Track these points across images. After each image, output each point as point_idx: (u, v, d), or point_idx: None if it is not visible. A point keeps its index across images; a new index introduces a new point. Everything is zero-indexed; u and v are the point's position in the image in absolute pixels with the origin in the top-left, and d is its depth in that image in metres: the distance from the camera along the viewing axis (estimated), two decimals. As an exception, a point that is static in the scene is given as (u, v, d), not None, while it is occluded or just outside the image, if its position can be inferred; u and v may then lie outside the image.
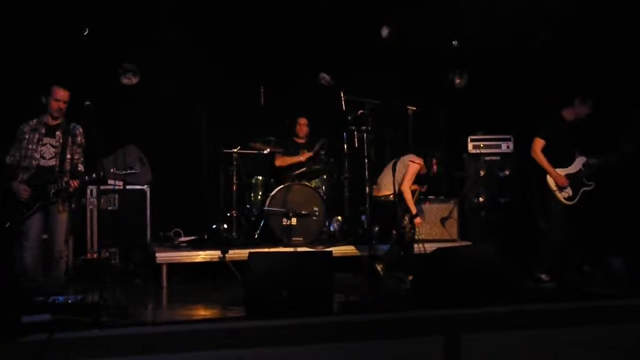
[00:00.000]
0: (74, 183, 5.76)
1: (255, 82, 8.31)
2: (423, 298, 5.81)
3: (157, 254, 7.02)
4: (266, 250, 6.70)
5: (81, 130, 5.96)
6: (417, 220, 7.16)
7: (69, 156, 5.87)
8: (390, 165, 7.18)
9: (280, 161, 8.31)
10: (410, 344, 5.10)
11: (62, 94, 5.78)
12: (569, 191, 6.80)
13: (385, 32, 8.26)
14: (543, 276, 6.69)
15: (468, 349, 5.09)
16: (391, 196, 7.06)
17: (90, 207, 7.78)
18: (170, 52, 8.06)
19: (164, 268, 6.99)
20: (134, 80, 7.74)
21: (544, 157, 6.83)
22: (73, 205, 6.03)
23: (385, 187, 7.16)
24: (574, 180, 6.81)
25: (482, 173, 8.66)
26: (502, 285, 5.69)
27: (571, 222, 6.78)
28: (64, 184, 5.75)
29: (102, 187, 7.72)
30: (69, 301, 5.27)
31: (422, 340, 5.14)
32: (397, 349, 5.07)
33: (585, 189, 6.82)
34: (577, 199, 6.80)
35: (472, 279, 5.61)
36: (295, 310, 5.19)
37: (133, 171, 6.02)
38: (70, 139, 5.87)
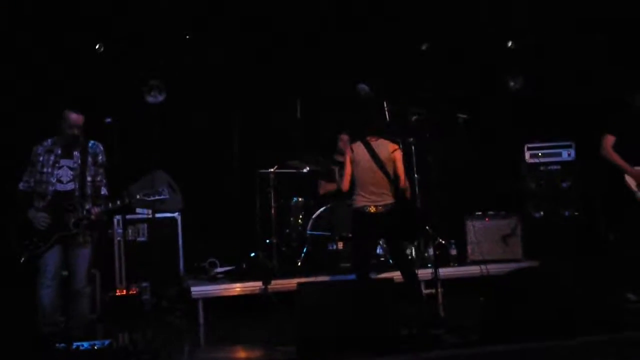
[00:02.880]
0: (95, 211, 5.09)
1: (290, 96, 7.77)
2: (496, 329, 4.99)
3: (192, 288, 6.34)
4: (316, 279, 5.94)
5: (102, 148, 5.31)
6: None
7: (89, 178, 5.22)
8: None
9: (323, 190, 7.64)
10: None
11: (75, 117, 5.11)
12: (651, 190, 6.04)
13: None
14: (631, 296, 5.86)
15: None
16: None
17: (118, 238, 7.24)
18: (198, 67, 7.45)
19: (200, 303, 6.31)
20: (160, 98, 7.10)
21: (616, 155, 6.11)
22: (96, 236, 5.33)
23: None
24: (655, 178, 6.07)
25: (541, 184, 7.87)
26: (592, 311, 4.88)
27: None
28: (84, 212, 5.09)
29: (129, 217, 7.25)
30: (95, 347, 4.63)
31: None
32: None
33: (669, 187, 6.06)
34: (662, 198, 6.03)
35: (556, 304, 4.82)
36: (355, 350, 4.47)
37: (162, 197, 5.35)
38: (90, 159, 5.23)
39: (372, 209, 5.72)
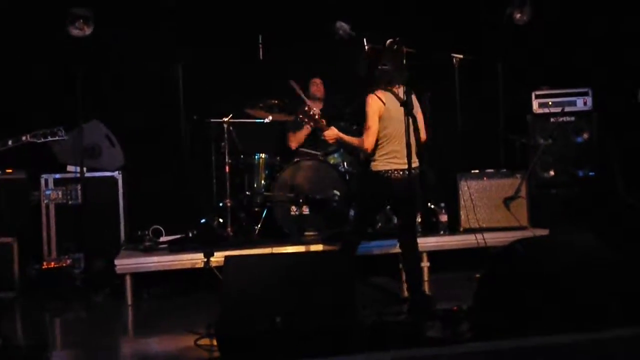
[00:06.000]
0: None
1: (251, 31, 6.62)
2: (495, 319, 3.81)
3: (117, 261, 5.24)
4: (254, 251, 4.79)
5: None
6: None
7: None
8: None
9: (295, 141, 6.46)
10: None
11: None
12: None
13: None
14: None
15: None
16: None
17: (46, 201, 6.24)
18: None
19: (128, 279, 5.20)
20: (87, 31, 5.85)
21: None
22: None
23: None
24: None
25: (551, 139, 6.74)
26: (620, 296, 3.70)
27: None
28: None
29: (59, 176, 6.29)
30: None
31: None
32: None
33: None
34: None
35: (574, 287, 3.64)
36: (295, 347, 3.31)
37: (57, 138, 4.12)
38: None
39: (399, 175, 4.57)
